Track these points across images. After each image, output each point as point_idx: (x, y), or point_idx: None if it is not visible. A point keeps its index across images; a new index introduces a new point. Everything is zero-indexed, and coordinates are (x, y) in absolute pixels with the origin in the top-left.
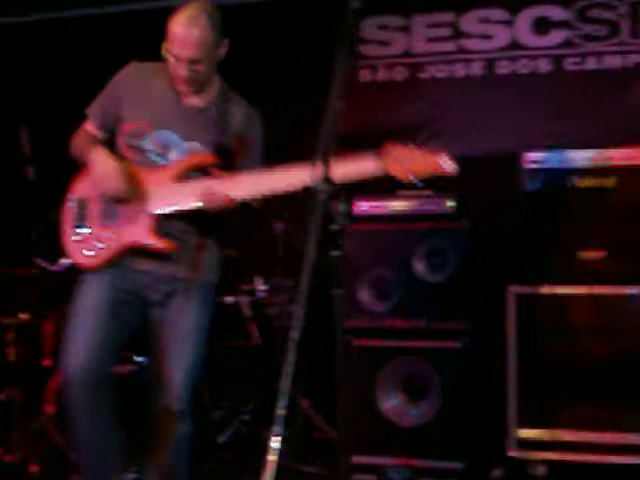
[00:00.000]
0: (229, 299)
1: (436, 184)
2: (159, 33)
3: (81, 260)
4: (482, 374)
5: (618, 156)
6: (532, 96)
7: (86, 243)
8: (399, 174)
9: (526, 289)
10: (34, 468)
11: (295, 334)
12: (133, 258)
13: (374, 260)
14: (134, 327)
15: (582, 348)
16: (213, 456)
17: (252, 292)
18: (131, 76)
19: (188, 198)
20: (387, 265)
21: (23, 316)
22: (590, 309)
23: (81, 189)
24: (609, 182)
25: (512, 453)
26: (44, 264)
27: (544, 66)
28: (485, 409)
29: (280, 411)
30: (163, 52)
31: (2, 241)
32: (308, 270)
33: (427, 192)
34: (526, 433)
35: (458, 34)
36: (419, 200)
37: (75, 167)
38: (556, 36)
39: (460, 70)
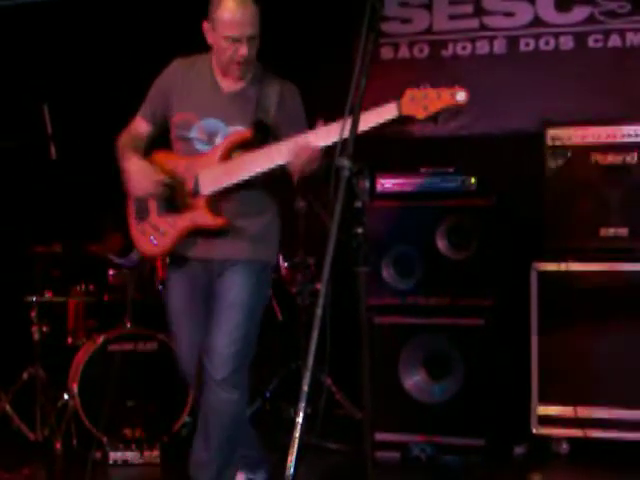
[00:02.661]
0: None
1: (458, 161)
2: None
3: (146, 250)
4: (505, 351)
5: None
6: (555, 73)
7: (148, 233)
8: (417, 113)
9: (549, 266)
10: (58, 446)
11: (319, 311)
12: (195, 249)
13: (397, 237)
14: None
15: (605, 324)
16: None
17: (274, 270)
18: (176, 72)
19: (237, 172)
20: (410, 242)
21: (47, 294)
22: (613, 286)
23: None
24: (632, 159)
25: (535, 430)
26: (117, 260)
27: (567, 43)
28: (508, 386)
29: (304, 387)
30: (209, 41)
31: (25, 220)
32: (331, 247)
33: (450, 169)
34: (549, 410)
35: (480, 11)
36: (442, 177)
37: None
38: (579, 13)
39: (483, 47)
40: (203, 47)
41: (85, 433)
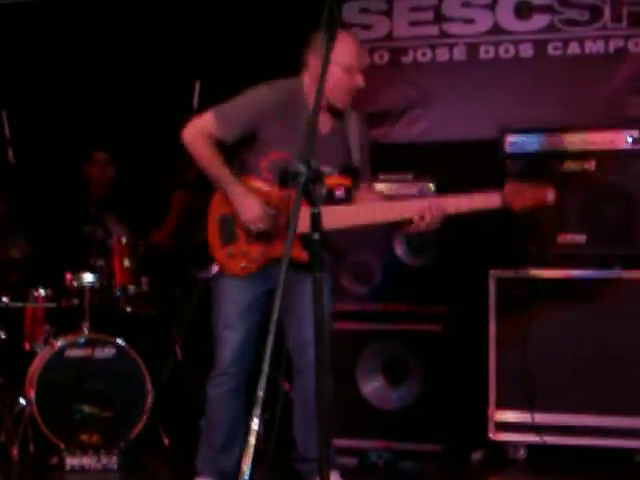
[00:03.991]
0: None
1: (417, 168)
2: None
3: (234, 271)
4: (463, 357)
5: (599, 140)
6: (514, 81)
7: (239, 259)
8: (517, 207)
9: (507, 273)
10: (15, 451)
11: (275, 315)
12: None
13: (355, 243)
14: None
15: (562, 331)
16: (194, 439)
17: None
18: (269, 102)
19: (332, 221)
20: (368, 248)
21: (4, 299)
22: (570, 292)
23: (224, 207)
24: (590, 166)
25: (492, 436)
26: (200, 273)
27: (526, 51)
28: (465, 392)
29: (260, 392)
30: (313, 74)
31: None
32: (287, 253)
33: (408, 176)
34: (506, 416)
35: (440, 18)
36: (400, 184)
37: (54, 151)
38: (538, 21)
39: (443, 54)
40: (154, 54)
41: (42, 439)
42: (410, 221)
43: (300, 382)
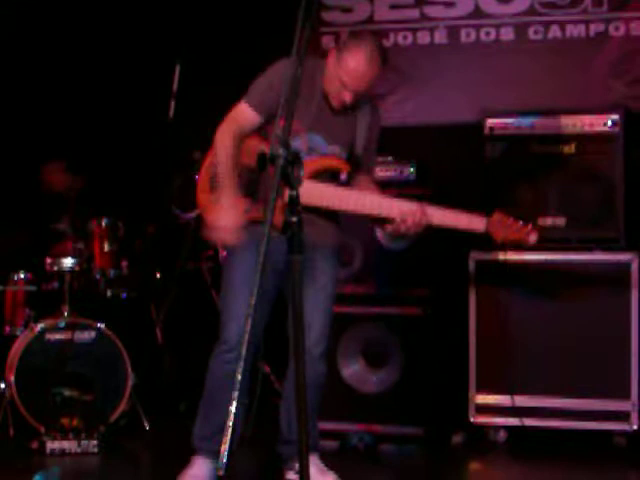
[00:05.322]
0: (190, 266)
1: (398, 151)
2: None
3: (210, 218)
4: (443, 340)
5: (579, 123)
6: (495, 64)
7: (219, 206)
8: (498, 238)
9: (487, 255)
10: None
11: (252, 300)
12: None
13: None
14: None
15: (542, 314)
16: (174, 423)
17: (214, 258)
18: (287, 73)
19: (319, 199)
20: (348, 232)
21: None
22: (550, 275)
23: None
24: (570, 149)
25: (472, 419)
26: (178, 212)
27: (507, 34)
28: (446, 375)
29: (238, 376)
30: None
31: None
32: (266, 237)
33: (388, 158)
34: (486, 399)
35: (421, 1)
36: (380, 167)
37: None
38: (519, 4)
39: (424, 37)
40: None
41: (22, 422)
42: (392, 220)
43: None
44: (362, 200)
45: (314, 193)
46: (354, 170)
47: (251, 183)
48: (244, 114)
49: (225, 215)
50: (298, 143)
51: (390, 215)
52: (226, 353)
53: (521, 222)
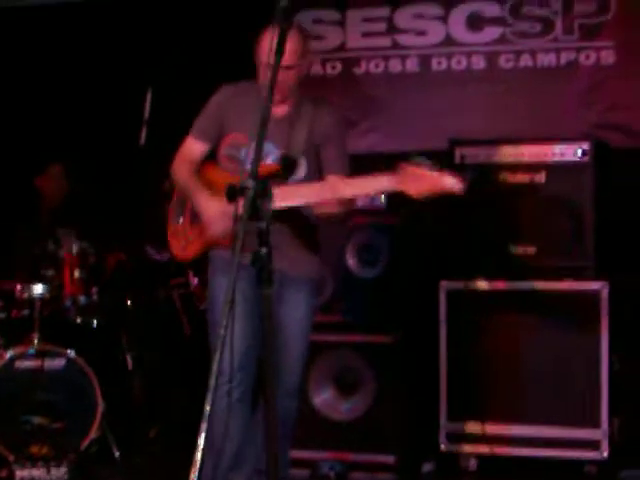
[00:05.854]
0: (161, 292)
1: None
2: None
3: (176, 252)
4: (414, 368)
5: (549, 152)
6: (467, 92)
7: (180, 238)
8: (411, 192)
9: (457, 284)
10: None
11: (222, 331)
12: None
13: None
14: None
15: (512, 342)
16: (144, 450)
17: (185, 286)
18: (229, 95)
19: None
20: (320, 260)
21: None
22: (521, 303)
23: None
24: (540, 178)
25: (443, 447)
26: (152, 252)
27: (478, 63)
28: (417, 403)
29: (207, 407)
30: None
31: None
32: (235, 268)
33: None
34: (457, 427)
35: (393, 29)
36: None
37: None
38: (490, 33)
39: (395, 66)
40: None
41: None
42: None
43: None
44: (282, 196)
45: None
46: (285, 174)
47: (179, 207)
48: (190, 146)
49: (204, 207)
50: (244, 153)
51: (310, 201)
52: (223, 385)
53: (435, 169)
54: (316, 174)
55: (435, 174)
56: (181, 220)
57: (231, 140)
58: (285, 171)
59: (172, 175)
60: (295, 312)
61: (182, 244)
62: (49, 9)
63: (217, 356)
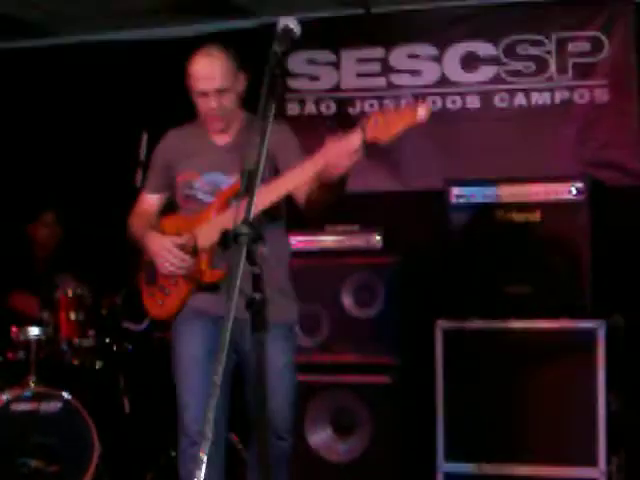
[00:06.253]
0: (157, 335)
1: (364, 218)
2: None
3: (154, 312)
4: (411, 408)
5: (543, 191)
6: (461, 132)
7: (156, 296)
8: (382, 136)
9: (453, 323)
10: None
11: (218, 379)
12: (215, 305)
13: (302, 295)
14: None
15: (509, 382)
16: None
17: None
18: (172, 140)
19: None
20: (315, 300)
21: None
22: (516, 343)
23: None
24: (535, 217)
25: None
26: (131, 326)
27: (473, 102)
28: (414, 443)
29: (202, 455)
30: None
31: None
32: (230, 314)
33: (355, 227)
34: (454, 467)
35: (387, 69)
36: (347, 235)
37: None
38: (485, 72)
39: (390, 105)
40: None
41: None
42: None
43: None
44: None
45: (207, 231)
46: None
47: (149, 270)
48: (143, 201)
49: (154, 246)
50: (198, 189)
51: (290, 187)
52: (189, 447)
53: (398, 109)
54: None
55: (403, 109)
56: (155, 278)
57: (182, 180)
58: (247, 185)
59: (128, 232)
60: (273, 359)
61: (159, 302)
62: (41, 51)
63: (182, 417)
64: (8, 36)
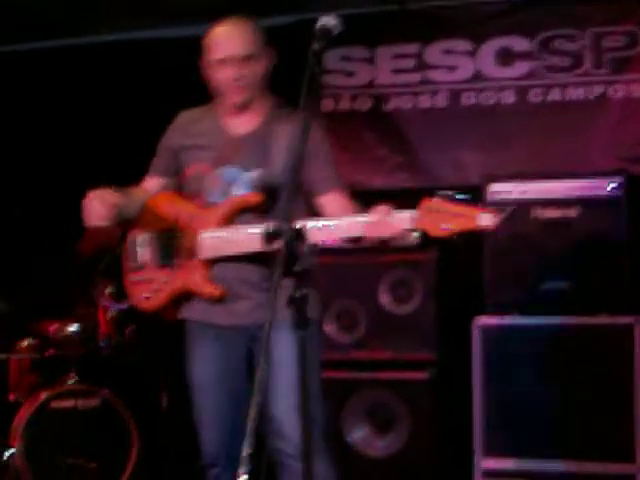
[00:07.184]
0: None
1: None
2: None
3: (137, 302)
4: (448, 405)
5: (580, 187)
6: (496, 127)
7: (142, 287)
8: (431, 231)
9: (491, 320)
10: None
11: (260, 375)
12: (222, 315)
13: (340, 292)
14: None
15: (546, 377)
16: None
17: None
18: (181, 124)
19: (240, 244)
20: (353, 297)
21: None
22: (554, 339)
23: (141, 227)
24: (572, 213)
25: None
26: (108, 303)
27: (508, 97)
28: (451, 439)
29: (245, 452)
30: (207, 79)
31: None
32: (271, 313)
33: None
34: (492, 464)
35: (423, 65)
36: None
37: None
38: (520, 67)
39: (425, 101)
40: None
41: None
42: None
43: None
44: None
45: (211, 241)
46: (312, 193)
47: (165, 249)
48: (145, 183)
49: (93, 201)
50: (208, 184)
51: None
52: (209, 469)
53: (460, 205)
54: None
55: (468, 209)
56: (143, 265)
57: (192, 174)
58: (265, 202)
59: None
60: (279, 352)
61: (146, 294)
62: (62, 51)
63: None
64: (31, 36)
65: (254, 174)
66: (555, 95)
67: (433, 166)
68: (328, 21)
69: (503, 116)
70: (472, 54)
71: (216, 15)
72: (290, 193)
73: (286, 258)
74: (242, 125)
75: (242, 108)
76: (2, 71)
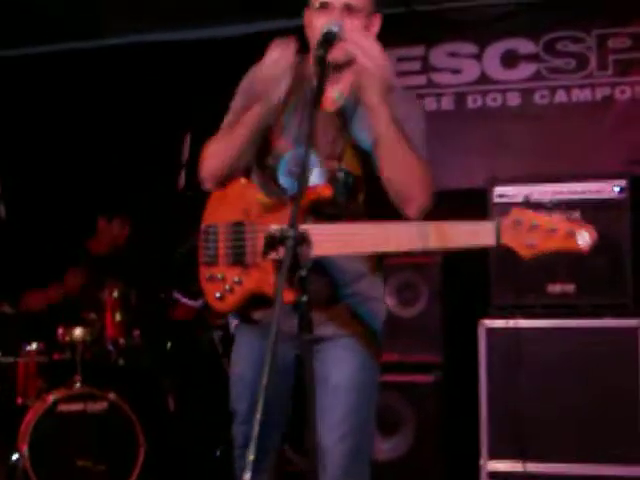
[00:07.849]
0: (201, 334)
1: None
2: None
3: (211, 301)
4: (455, 407)
5: (585, 190)
6: (502, 129)
7: (215, 285)
8: (519, 249)
9: (497, 322)
10: None
11: (264, 380)
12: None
13: None
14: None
15: (553, 380)
16: None
17: (225, 327)
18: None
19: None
20: None
21: None
22: (560, 341)
23: (212, 218)
24: (577, 215)
25: None
26: (184, 300)
27: (514, 99)
28: (458, 442)
29: (250, 456)
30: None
31: None
32: (277, 317)
33: None
34: (498, 466)
35: (428, 68)
36: None
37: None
38: (525, 69)
39: (430, 104)
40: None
41: None
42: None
43: None
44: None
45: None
46: (351, 192)
47: (237, 246)
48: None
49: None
50: (283, 165)
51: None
52: (238, 458)
53: (554, 219)
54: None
55: (563, 225)
56: (216, 260)
57: (269, 147)
58: (342, 196)
59: (201, 165)
60: (330, 373)
61: (218, 293)
62: (86, 53)
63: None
64: (54, 39)
65: (331, 164)
66: (560, 97)
67: (438, 169)
68: (332, 28)
69: (508, 118)
70: (477, 57)
71: (218, 19)
72: (299, 199)
73: (290, 264)
74: (328, 99)
75: (337, 69)
76: (5, 75)
